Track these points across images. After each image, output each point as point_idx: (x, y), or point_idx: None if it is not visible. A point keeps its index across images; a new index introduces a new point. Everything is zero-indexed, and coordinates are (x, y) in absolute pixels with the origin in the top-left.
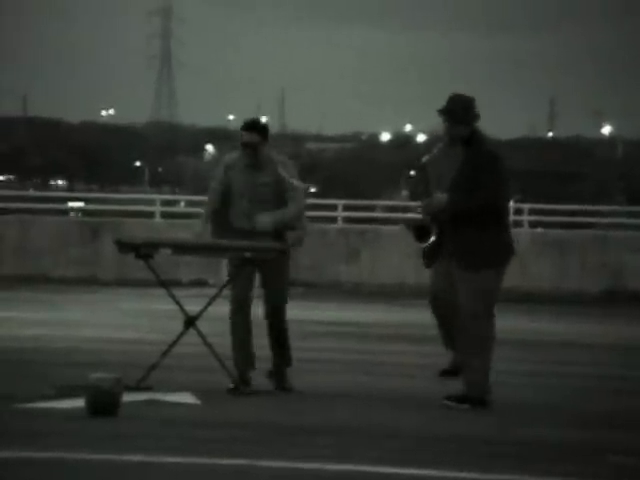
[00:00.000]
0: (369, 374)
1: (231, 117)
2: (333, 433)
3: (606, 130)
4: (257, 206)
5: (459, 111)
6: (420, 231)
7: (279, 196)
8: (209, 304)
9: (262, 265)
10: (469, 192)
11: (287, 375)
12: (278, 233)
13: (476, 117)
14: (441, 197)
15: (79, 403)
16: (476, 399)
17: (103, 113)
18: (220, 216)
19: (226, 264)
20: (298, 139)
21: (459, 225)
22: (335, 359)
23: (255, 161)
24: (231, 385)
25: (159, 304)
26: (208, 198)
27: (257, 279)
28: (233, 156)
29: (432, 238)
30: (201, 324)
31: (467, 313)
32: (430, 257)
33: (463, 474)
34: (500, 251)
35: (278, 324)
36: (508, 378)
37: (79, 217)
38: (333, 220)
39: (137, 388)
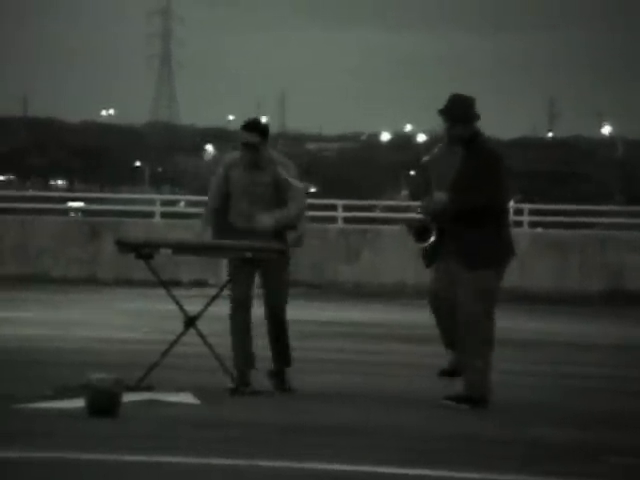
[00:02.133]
0: (369, 374)
1: (231, 117)
2: (333, 433)
3: (606, 130)
4: (256, 206)
5: (458, 111)
6: (420, 231)
7: (279, 196)
8: (209, 304)
9: (262, 265)
10: (470, 192)
11: (288, 376)
12: (278, 233)
13: (476, 117)
14: (441, 197)
15: (79, 403)
16: (476, 399)
17: (103, 113)
18: (220, 216)
19: (226, 264)
20: (298, 139)
21: (459, 225)
22: (335, 359)
23: (255, 161)
24: (231, 385)
25: (159, 304)
26: (208, 197)
27: (257, 279)
28: (234, 155)
29: (432, 238)
30: (201, 324)
31: (468, 313)
32: (430, 257)
33: (463, 474)
34: (499, 251)
35: (278, 324)
36: (508, 378)
37: (79, 217)
38: (333, 220)
39: (137, 388)
